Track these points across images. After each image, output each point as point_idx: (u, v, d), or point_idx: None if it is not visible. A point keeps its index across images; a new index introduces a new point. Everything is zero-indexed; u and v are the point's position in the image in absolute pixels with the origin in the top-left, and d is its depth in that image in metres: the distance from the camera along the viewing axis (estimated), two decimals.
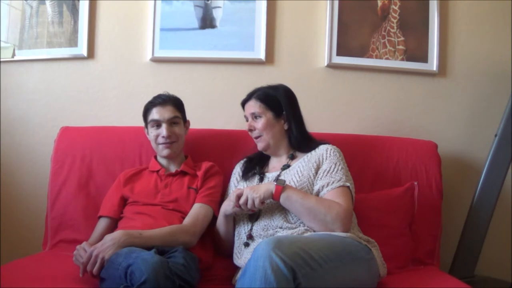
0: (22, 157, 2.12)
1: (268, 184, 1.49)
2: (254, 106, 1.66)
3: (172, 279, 1.26)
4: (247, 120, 1.70)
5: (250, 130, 1.67)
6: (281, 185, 1.45)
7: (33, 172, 2.10)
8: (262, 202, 1.44)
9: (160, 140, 1.70)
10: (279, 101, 1.66)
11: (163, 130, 1.69)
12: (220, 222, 1.61)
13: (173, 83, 2.10)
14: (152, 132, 1.72)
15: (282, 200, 1.45)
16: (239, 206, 1.47)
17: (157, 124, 1.71)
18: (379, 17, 2.13)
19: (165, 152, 1.71)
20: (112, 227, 1.64)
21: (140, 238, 1.44)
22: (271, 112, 1.65)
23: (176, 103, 1.75)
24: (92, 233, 1.65)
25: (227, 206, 1.53)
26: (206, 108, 2.09)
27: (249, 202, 1.44)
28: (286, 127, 1.67)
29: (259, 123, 1.64)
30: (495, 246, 2.05)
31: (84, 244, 1.46)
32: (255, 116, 1.66)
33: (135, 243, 1.41)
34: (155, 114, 1.71)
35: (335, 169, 1.53)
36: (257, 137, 1.67)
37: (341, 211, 1.42)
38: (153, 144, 1.74)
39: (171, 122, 1.71)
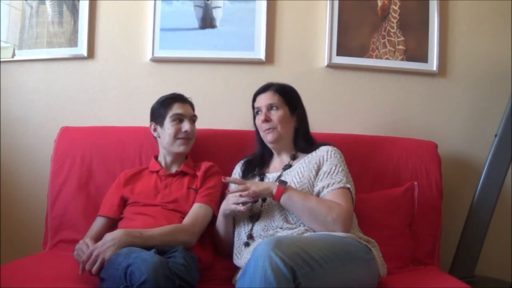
0: (22, 157, 2.12)
1: (270, 183, 1.49)
2: (272, 97, 1.64)
3: (172, 279, 1.26)
4: (257, 113, 1.67)
5: (266, 120, 1.62)
6: (283, 186, 1.45)
7: (33, 172, 2.10)
8: (254, 197, 1.45)
9: (181, 135, 1.70)
10: (294, 98, 1.68)
11: (186, 125, 1.70)
12: (220, 222, 1.61)
13: (173, 83, 2.09)
14: (172, 126, 1.70)
15: (282, 200, 1.45)
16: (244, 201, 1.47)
17: (180, 118, 1.71)
18: (379, 17, 2.13)
19: (182, 148, 1.71)
20: (109, 227, 1.64)
21: (141, 238, 1.44)
22: (287, 107, 1.64)
23: (192, 104, 1.79)
24: (89, 229, 1.65)
25: (226, 205, 1.53)
26: (206, 108, 2.08)
27: (245, 192, 1.44)
28: (296, 125, 1.67)
29: (276, 115, 1.62)
30: (495, 246, 2.05)
31: (87, 239, 1.47)
32: (272, 108, 1.63)
33: (135, 243, 1.41)
34: (178, 108, 1.71)
35: (336, 171, 1.53)
36: (269, 129, 1.63)
37: (342, 212, 1.42)
38: (168, 140, 1.71)
39: (191, 120, 1.74)
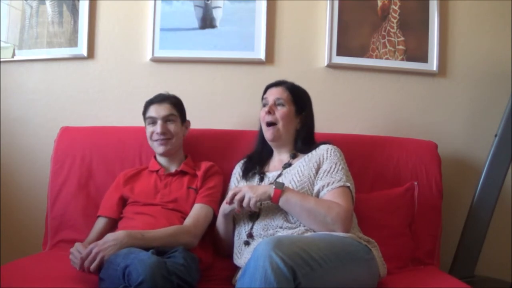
0: (22, 157, 2.12)
1: (267, 187, 1.48)
2: (282, 93, 1.65)
3: (170, 280, 1.25)
4: (264, 105, 1.68)
5: (269, 112, 1.63)
6: (279, 189, 1.44)
7: (33, 172, 2.10)
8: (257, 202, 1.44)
9: (155, 136, 1.72)
10: (303, 100, 1.68)
11: (158, 127, 1.71)
12: (220, 222, 1.61)
13: (173, 83, 2.09)
14: (148, 129, 1.75)
15: (281, 203, 1.45)
16: (232, 203, 1.47)
17: (153, 121, 1.73)
18: (379, 17, 2.13)
19: (160, 149, 1.72)
20: (109, 227, 1.65)
21: (142, 240, 1.43)
22: (294, 106, 1.65)
23: (173, 102, 1.76)
24: (91, 231, 1.65)
25: (226, 205, 1.53)
26: (206, 108, 2.09)
27: (245, 201, 1.44)
28: (298, 127, 1.67)
29: (281, 111, 1.63)
30: (495, 246, 2.05)
31: (78, 246, 1.44)
32: (278, 103, 1.64)
33: (137, 244, 1.40)
34: (151, 111, 1.74)
35: (335, 169, 1.53)
36: (270, 124, 1.63)
37: (341, 212, 1.42)
38: (149, 142, 1.76)
39: (167, 120, 1.73)
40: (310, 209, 1.43)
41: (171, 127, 1.73)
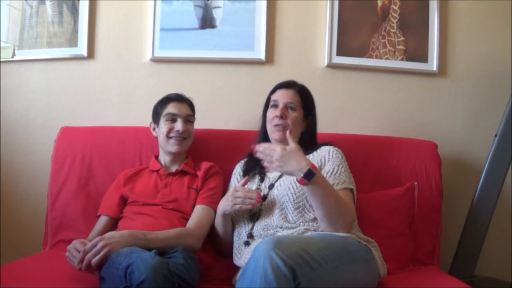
0: (22, 157, 2.12)
1: (297, 169, 1.35)
2: (293, 97, 1.64)
3: (171, 280, 1.25)
4: (272, 106, 1.65)
5: (281, 117, 1.60)
6: (304, 180, 1.35)
7: (33, 172, 2.10)
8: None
9: (174, 134, 1.70)
10: (311, 104, 1.68)
11: (179, 125, 1.70)
12: (218, 222, 1.60)
13: (173, 83, 2.09)
14: (165, 125, 1.71)
15: (307, 188, 1.39)
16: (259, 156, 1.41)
17: (173, 118, 1.71)
18: (379, 17, 2.13)
19: (175, 148, 1.71)
20: (111, 226, 1.64)
21: (145, 240, 1.43)
22: (302, 110, 1.65)
23: (191, 104, 1.79)
24: (92, 230, 1.65)
25: (226, 206, 1.52)
26: (206, 108, 2.08)
27: (267, 162, 1.39)
28: (304, 130, 1.67)
29: (292, 115, 1.62)
30: (495, 246, 2.05)
31: (75, 243, 1.42)
32: (289, 107, 1.63)
33: (139, 244, 1.40)
34: (172, 108, 1.72)
35: (338, 171, 1.53)
36: (280, 126, 1.61)
37: (350, 217, 1.44)
38: (162, 139, 1.72)
39: (186, 120, 1.73)
40: (326, 210, 1.40)
41: (189, 127, 1.74)
